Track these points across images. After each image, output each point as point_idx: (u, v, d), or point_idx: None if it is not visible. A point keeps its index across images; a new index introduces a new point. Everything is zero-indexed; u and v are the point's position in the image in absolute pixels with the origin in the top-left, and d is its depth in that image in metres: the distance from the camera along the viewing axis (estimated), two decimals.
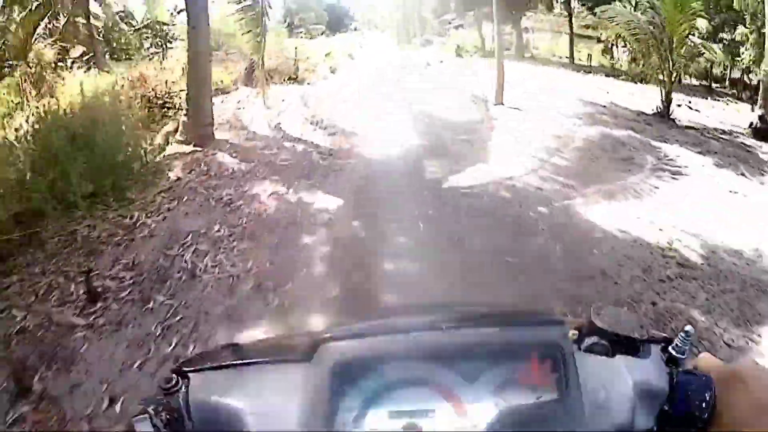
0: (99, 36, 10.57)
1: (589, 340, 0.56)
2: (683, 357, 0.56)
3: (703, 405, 0.52)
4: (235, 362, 0.54)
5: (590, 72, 14.33)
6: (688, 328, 0.56)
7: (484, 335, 0.52)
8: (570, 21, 20.59)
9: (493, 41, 10.58)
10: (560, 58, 21.96)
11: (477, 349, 0.51)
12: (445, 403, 0.50)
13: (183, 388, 0.51)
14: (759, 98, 8.33)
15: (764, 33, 8.07)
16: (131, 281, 3.05)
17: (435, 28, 27.16)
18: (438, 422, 0.49)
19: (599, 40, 24.25)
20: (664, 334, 0.59)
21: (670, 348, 0.56)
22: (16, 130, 4.18)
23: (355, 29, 43.09)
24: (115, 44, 13.07)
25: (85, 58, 8.71)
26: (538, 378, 0.51)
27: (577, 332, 0.55)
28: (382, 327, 0.54)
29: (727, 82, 14.97)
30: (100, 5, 12.36)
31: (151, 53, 12.06)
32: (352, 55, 17.92)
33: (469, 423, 0.48)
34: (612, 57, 21.06)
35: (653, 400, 0.53)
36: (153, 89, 7.50)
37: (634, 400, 0.52)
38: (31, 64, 7.08)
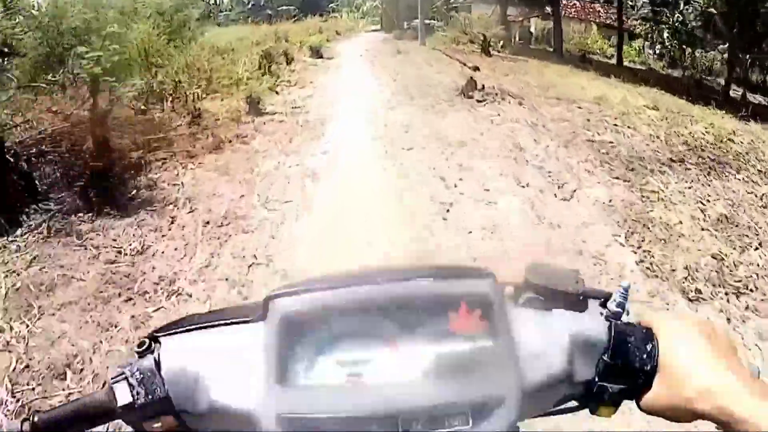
0: None
1: (525, 295, 0.59)
2: (621, 311, 0.58)
3: (644, 356, 0.55)
4: (200, 325, 0.59)
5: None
6: (625, 283, 0.59)
7: (418, 287, 0.57)
8: (620, 14, 18.67)
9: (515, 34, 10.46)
10: (606, 57, 19.85)
11: (412, 301, 0.56)
12: (386, 351, 0.55)
13: (155, 351, 0.56)
14: None
15: None
16: None
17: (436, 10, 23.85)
18: (380, 369, 0.54)
19: (633, 34, 21.82)
20: (604, 290, 0.61)
21: (608, 302, 0.58)
22: None
23: (333, 11, 39.67)
24: None
25: None
26: (468, 326, 0.55)
27: (512, 288, 0.59)
28: (325, 282, 0.58)
29: None
30: None
31: None
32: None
33: (408, 369, 0.53)
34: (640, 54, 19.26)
35: (592, 352, 0.57)
36: None
37: (571, 350, 0.56)
38: None
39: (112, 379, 0.55)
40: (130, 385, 0.54)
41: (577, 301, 0.60)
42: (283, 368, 0.53)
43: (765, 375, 0.53)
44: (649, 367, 0.55)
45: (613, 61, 17.41)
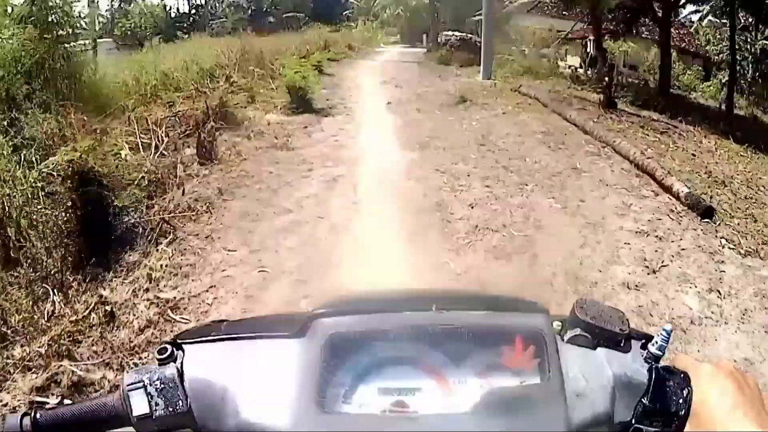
0: None
1: (572, 332, 0.59)
2: (662, 354, 0.59)
3: (681, 401, 0.56)
4: (229, 336, 0.57)
5: None
6: (667, 326, 0.60)
7: (472, 318, 0.57)
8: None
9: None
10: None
11: (464, 331, 0.56)
12: (432, 382, 0.54)
13: (177, 359, 0.54)
14: None
15: None
16: None
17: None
18: (425, 400, 0.53)
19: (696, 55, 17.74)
20: (645, 332, 0.63)
21: (649, 344, 0.59)
22: None
23: (348, 19, 34.98)
24: None
25: None
26: (521, 362, 0.55)
27: (560, 324, 0.60)
28: (374, 304, 0.57)
29: None
30: None
31: None
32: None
33: (455, 402, 0.53)
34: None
35: (632, 394, 0.57)
36: None
37: (613, 391, 0.57)
38: None
39: (128, 385, 0.52)
40: (148, 394, 0.51)
41: (620, 341, 0.60)
42: (323, 391, 0.51)
43: None
44: (683, 412, 0.55)
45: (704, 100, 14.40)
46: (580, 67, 15.16)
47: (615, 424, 0.56)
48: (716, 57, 15.71)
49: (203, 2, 39.60)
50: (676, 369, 0.58)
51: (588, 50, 15.64)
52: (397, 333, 0.55)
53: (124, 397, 0.52)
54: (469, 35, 20.15)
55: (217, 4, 39.58)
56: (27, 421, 0.52)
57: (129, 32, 34.25)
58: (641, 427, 0.57)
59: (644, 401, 0.57)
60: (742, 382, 0.55)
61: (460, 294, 0.69)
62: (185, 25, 38.09)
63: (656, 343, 0.59)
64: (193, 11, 40.07)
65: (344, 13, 35.80)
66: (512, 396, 0.53)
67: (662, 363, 0.59)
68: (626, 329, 0.60)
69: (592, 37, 14.40)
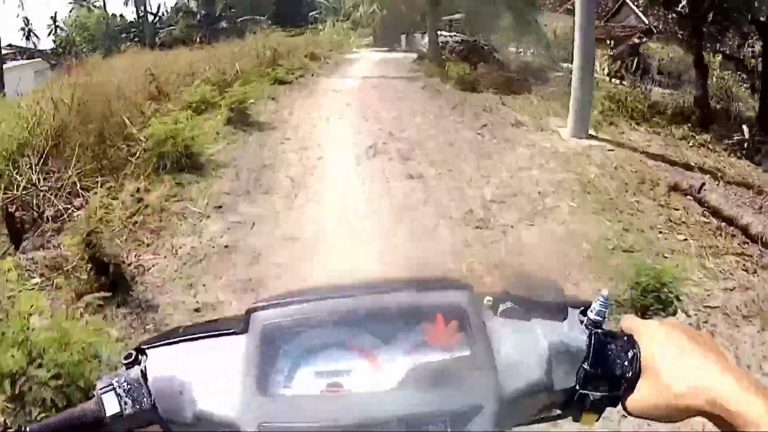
0: None
1: (503, 306, 0.62)
2: (601, 319, 0.60)
3: (626, 363, 0.57)
4: (186, 337, 0.62)
5: None
6: (604, 291, 0.62)
7: (395, 299, 0.61)
8: None
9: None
10: None
11: (389, 312, 0.60)
12: (365, 362, 0.59)
13: (141, 363, 0.59)
14: None
15: None
16: None
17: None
18: (357, 380, 0.57)
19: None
20: (584, 300, 0.64)
21: (588, 311, 0.61)
22: None
23: (315, 21, 31.30)
24: None
25: None
26: (445, 337, 0.58)
27: (491, 298, 0.63)
28: (303, 295, 0.63)
29: None
30: None
31: None
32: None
33: (385, 380, 0.57)
34: None
35: (572, 361, 0.59)
36: None
37: (549, 359, 0.59)
38: None
39: (100, 389, 0.57)
40: (117, 395, 0.57)
41: (556, 311, 0.62)
42: (264, 379, 0.56)
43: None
44: (630, 374, 0.56)
45: None
46: (615, 75, 12.61)
47: (557, 392, 0.59)
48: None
49: (153, 9, 34.00)
50: (618, 332, 0.59)
51: (621, 54, 13.43)
52: (326, 319, 0.59)
53: (98, 400, 0.57)
54: (473, 38, 15.07)
55: (166, 12, 34.17)
56: None
57: (62, 48, 28.75)
58: (587, 392, 0.59)
59: (585, 366, 0.58)
60: (693, 334, 0.55)
61: (386, 280, 0.68)
62: (130, 35, 32.51)
63: (594, 309, 0.61)
64: (141, 18, 34.50)
65: (311, 14, 32.65)
66: (437, 370, 0.56)
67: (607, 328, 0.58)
68: (560, 298, 0.64)
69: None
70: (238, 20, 28.43)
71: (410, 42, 25.32)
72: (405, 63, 15.78)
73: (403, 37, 26.60)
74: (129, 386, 0.58)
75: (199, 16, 30.78)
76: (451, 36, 15.92)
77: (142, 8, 32.18)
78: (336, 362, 0.59)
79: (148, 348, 0.62)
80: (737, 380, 0.48)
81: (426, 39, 18.12)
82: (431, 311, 0.59)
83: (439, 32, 16.40)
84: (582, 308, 0.62)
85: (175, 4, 33.91)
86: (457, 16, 20.84)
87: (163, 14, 34.66)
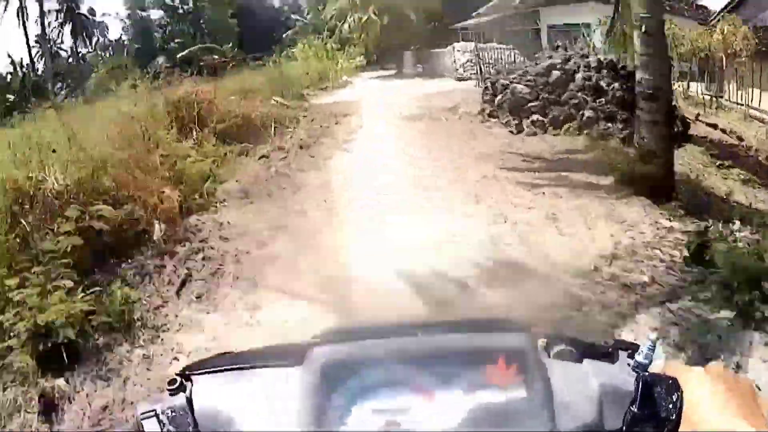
0: None
1: (557, 347, 0.69)
2: (648, 362, 0.68)
3: (670, 406, 0.63)
4: (233, 366, 0.68)
5: None
6: (652, 335, 0.69)
7: (456, 340, 0.67)
8: None
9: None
10: None
11: (449, 353, 0.66)
12: (422, 401, 0.64)
13: (186, 390, 0.64)
14: None
15: None
16: None
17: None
18: (415, 418, 0.62)
19: None
20: (632, 342, 0.72)
21: (636, 354, 0.70)
22: None
23: (292, 44, 23.82)
24: None
25: None
26: (505, 379, 0.64)
27: (545, 340, 0.71)
28: (365, 332, 0.69)
29: None
30: None
31: None
32: None
33: (443, 419, 0.62)
34: None
35: (621, 402, 0.66)
36: None
37: (600, 401, 0.67)
38: None
39: (141, 414, 0.62)
40: (160, 422, 0.61)
41: (606, 353, 0.71)
42: (321, 415, 0.61)
43: None
44: (674, 417, 0.63)
45: None
46: None
47: None
48: None
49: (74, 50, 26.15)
50: (663, 375, 0.67)
51: None
52: (386, 358, 0.65)
53: (139, 424, 0.61)
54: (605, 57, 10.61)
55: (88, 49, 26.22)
56: None
57: None
58: None
59: (633, 409, 0.65)
60: (732, 384, 0.63)
61: (443, 320, 0.81)
62: (54, 87, 24.13)
63: (642, 352, 0.68)
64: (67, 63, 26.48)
65: (286, 35, 27.19)
66: (497, 410, 0.62)
67: (651, 369, 0.69)
68: (610, 341, 0.72)
69: None
70: (179, 56, 20.06)
71: (423, 60, 20.51)
72: (472, 102, 11.42)
73: (407, 55, 21.40)
74: (173, 414, 0.61)
75: (133, 51, 22.56)
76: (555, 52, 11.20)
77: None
78: (394, 400, 0.64)
79: (194, 374, 0.67)
80: None
81: (449, 56, 15.92)
82: (492, 353, 0.65)
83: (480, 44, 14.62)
84: (630, 351, 0.71)
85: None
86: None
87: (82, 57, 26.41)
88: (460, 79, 16.31)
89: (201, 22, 27.70)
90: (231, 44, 23.05)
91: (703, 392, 0.61)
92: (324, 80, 16.39)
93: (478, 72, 15.04)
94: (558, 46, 12.35)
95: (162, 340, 3.89)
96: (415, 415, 0.61)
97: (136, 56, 24.22)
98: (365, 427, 0.60)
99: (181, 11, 28.10)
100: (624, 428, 0.64)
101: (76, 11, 28.59)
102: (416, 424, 0.61)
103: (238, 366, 0.67)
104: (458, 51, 17.47)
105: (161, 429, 0.59)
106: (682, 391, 0.62)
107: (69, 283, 3.86)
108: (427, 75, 17.68)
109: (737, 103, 13.74)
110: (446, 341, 0.66)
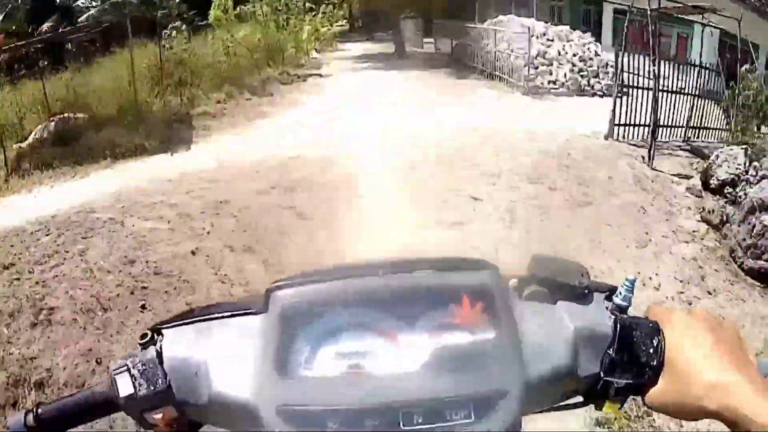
0: None
1: (529, 288, 0.71)
2: (627, 305, 0.71)
3: (651, 351, 0.65)
4: (202, 318, 0.72)
5: None
6: (631, 276, 0.70)
7: (418, 279, 0.70)
8: None
9: None
10: None
11: (412, 293, 0.69)
12: (386, 343, 0.66)
13: (157, 343, 0.70)
14: None
15: None
16: None
17: None
18: (380, 362, 0.65)
19: None
20: (610, 284, 0.75)
21: (614, 296, 0.72)
22: None
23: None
24: None
25: None
26: (470, 319, 0.66)
27: (517, 281, 0.73)
28: (325, 274, 0.71)
29: None
30: None
31: None
32: None
33: (407, 361, 0.66)
34: None
35: (597, 346, 0.68)
36: None
37: (575, 344, 0.68)
38: None
39: (114, 370, 0.67)
40: (132, 376, 0.65)
41: (582, 295, 0.72)
42: (283, 359, 0.64)
43: None
44: (655, 362, 0.66)
45: None
46: None
47: (581, 378, 0.69)
48: None
49: None
50: (644, 319, 0.71)
51: None
52: (348, 299, 0.68)
53: (112, 381, 0.66)
54: None
55: None
56: (30, 417, 0.66)
57: None
58: (611, 379, 0.67)
59: (610, 353, 0.67)
60: (717, 328, 0.65)
61: (409, 259, 0.75)
62: None
63: (620, 293, 0.72)
64: None
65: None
66: (463, 352, 0.64)
67: (632, 313, 0.77)
68: (586, 282, 0.72)
69: None
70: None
71: (438, 34, 13.84)
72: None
73: (408, 25, 14.26)
74: (144, 367, 0.64)
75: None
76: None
77: None
78: (358, 343, 0.66)
79: (165, 328, 0.71)
80: (752, 384, 0.58)
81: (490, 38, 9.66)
82: (457, 292, 0.67)
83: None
84: (607, 292, 0.75)
85: None
86: None
87: None
88: (529, 94, 9.40)
89: None
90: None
91: (687, 337, 0.62)
92: (276, 64, 9.16)
93: (618, 111, 7.84)
94: None
95: None
96: (379, 357, 0.64)
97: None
98: (329, 371, 0.63)
99: None
100: (601, 374, 0.67)
101: None
102: (380, 367, 0.63)
103: (206, 317, 0.70)
104: (519, 33, 10.42)
105: (133, 382, 0.63)
106: (664, 335, 0.65)
107: None
108: (452, 68, 10.79)
109: None
110: (409, 281, 0.67)
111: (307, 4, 14.95)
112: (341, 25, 14.87)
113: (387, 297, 0.66)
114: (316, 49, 12.36)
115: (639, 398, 0.65)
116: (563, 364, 0.63)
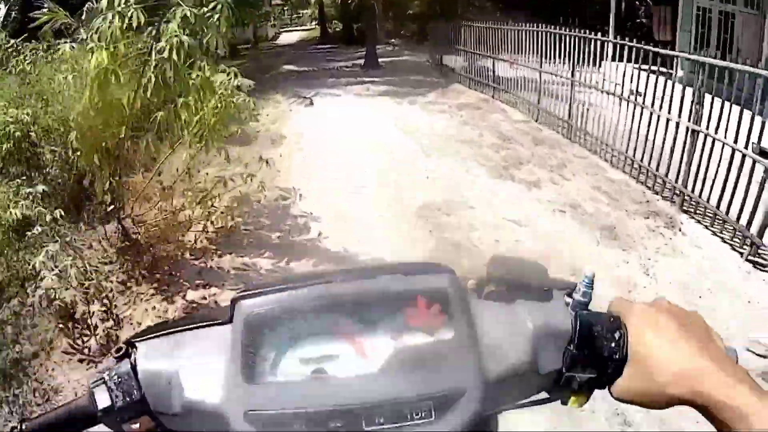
0: None
1: (487, 288, 0.74)
2: (586, 300, 0.72)
3: (612, 345, 0.67)
4: (174, 329, 0.75)
5: None
6: (589, 272, 0.72)
7: (376, 284, 0.72)
8: None
9: None
10: None
11: (372, 298, 0.72)
12: (349, 347, 0.70)
13: (131, 356, 0.73)
14: None
15: None
16: None
17: None
18: (343, 365, 0.69)
19: None
20: (570, 281, 0.77)
21: (573, 293, 0.75)
22: None
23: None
24: None
25: None
26: (427, 321, 0.68)
27: (475, 281, 0.77)
28: (286, 283, 0.74)
29: None
30: None
31: None
32: None
33: (369, 364, 0.69)
34: None
35: (557, 342, 0.71)
36: None
37: (534, 341, 0.71)
38: None
39: (91, 383, 0.70)
40: (108, 389, 0.68)
41: (540, 292, 0.75)
42: (250, 367, 0.67)
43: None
44: (618, 356, 0.68)
45: None
46: None
47: (543, 374, 0.71)
48: None
49: None
50: (604, 314, 0.73)
51: None
52: (310, 306, 0.70)
53: (90, 394, 0.69)
54: None
55: None
56: None
57: None
58: (573, 374, 0.69)
59: (571, 348, 0.69)
60: (683, 318, 0.66)
61: (366, 266, 0.85)
62: None
63: (579, 290, 0.73)
64: None
65: None
66: (421, 353, 0.66)
67: (590, 307, 0.77)
68: (544, 280, 0.75)
69: None
70: None
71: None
72: None
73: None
74: (119, 379, 0.68)
75: None
76: None
77: None
78: (321, 349, 0.69)
79: (138, 341, 0.75)
80: (721, 369, 0.59)
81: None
82: (413, 295, 0.70)
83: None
84: (567, 289, 0.77)
85: None
86: None
87: None
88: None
89: None
90: None
91: (649, 327, 0.64)
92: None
93: None
94: None
95: None
96: (342, 361, 0.67)
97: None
98: (294, 376, 0.66)
99: None
100: (563, 370, 0.69)
101: None
102: (343, 371, 0.67)
103: (177, 329, 0.73)
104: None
105: (110, 395, 0.65)
106: (626, 329, 0.67)
107: None
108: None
109: None
110: (367, 286, 0.70)
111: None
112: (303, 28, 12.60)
113: (348, 302, 0.68)
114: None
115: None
116: (523, 361, 0.65)
